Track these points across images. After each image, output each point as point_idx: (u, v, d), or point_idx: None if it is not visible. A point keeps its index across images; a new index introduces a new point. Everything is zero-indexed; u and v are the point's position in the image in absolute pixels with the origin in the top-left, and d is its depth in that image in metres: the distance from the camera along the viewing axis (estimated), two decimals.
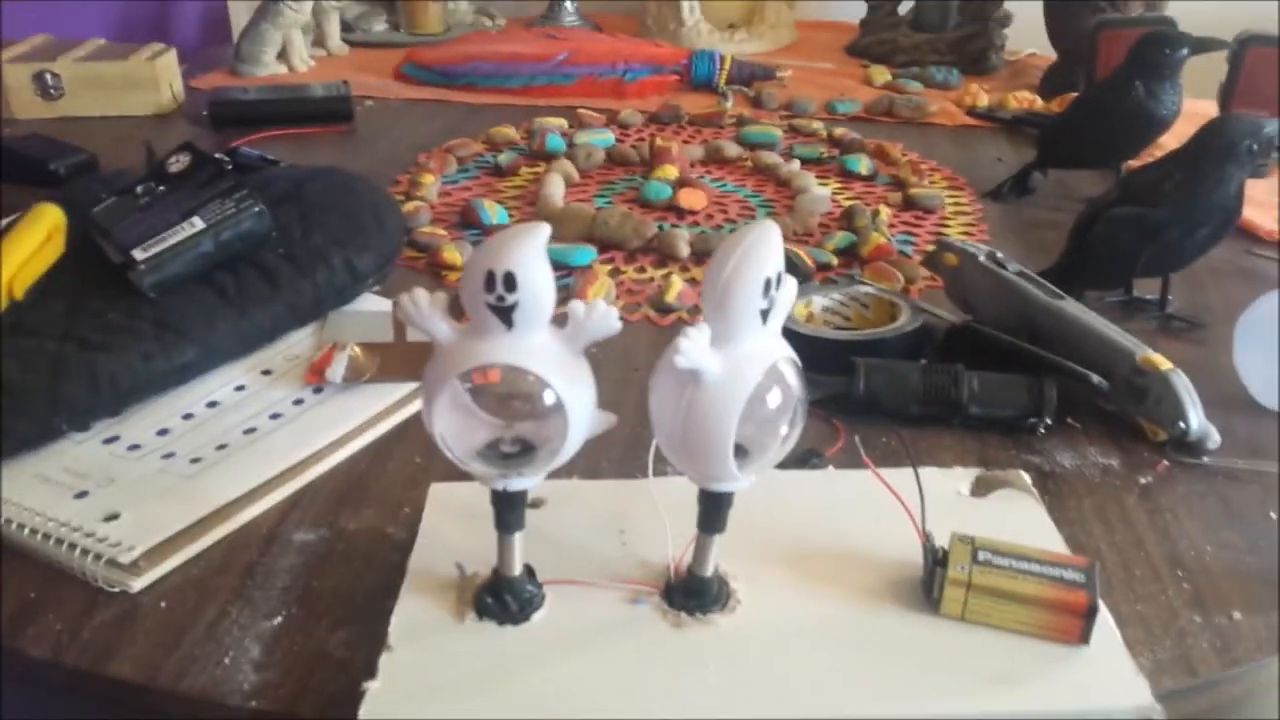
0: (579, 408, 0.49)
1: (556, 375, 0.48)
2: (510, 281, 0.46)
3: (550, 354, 0.49)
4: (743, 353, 0.48)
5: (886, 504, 0.58)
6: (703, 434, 0.48)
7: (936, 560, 0.54)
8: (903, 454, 0.69)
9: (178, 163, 0.88)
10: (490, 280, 0.46)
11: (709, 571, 0.54)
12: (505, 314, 0.47)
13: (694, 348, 0.47)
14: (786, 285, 0.50)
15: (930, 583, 0.54)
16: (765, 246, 0.48)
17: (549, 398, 0.49)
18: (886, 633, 0.52)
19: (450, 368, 0.49)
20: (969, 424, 0.73)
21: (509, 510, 0.52)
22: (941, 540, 0.54)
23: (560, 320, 0.49)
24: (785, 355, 0.50)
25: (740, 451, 0.49)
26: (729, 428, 0.47)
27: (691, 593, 0.54)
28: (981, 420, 0.72)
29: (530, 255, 0.47)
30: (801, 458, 0.68)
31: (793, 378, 0.50)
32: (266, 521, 0.65)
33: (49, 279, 0.81)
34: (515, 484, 0.51)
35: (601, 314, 0.49)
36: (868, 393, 0.73)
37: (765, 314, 0.48)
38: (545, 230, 0.48)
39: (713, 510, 0.52)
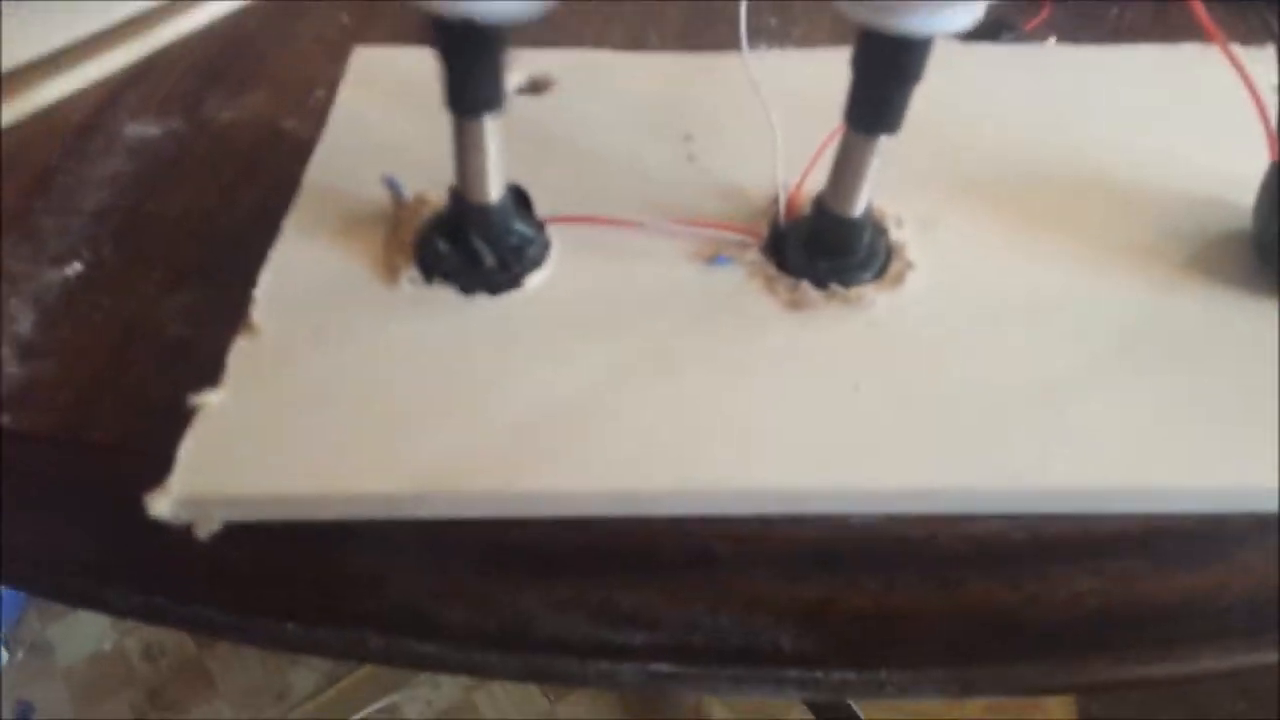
0: None
1: None
2: None
3: None
4: None
5: (1161, 97, 0.32)
6: None
7: None
8: (1150, 31, 0.42)
9: None
10: None
11: (858, 208, 0.29)
12: None
13: None
14: None
15: None
16: None
17: None
18: (1180, 332, 0.28)
19: None
20: None
21: (473, 67, 0.26)
22: None
23: None
24: None
25: None
26: None
27: (823, 244, 0.29)
28: None
29: None
30: (988, 30, 0.41)
31: None
32: (84, 105, 0.39)
33: None
34: (483, 5, 0.24)
35: None
36: None
37: None
38: None
39: (886, 80, 0.26)
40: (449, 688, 1.16)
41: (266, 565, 0.27)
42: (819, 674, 0.28)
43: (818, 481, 0.25)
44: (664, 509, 0.26)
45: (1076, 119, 0.34)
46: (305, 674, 1.17)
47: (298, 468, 0.25)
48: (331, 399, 0.26)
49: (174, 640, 1.19)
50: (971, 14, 0.24)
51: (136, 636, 1.19)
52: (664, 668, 0.28)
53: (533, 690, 1.15)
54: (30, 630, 1.18)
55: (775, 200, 0.31)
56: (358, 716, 1.14)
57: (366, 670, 1.15)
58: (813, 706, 1.08)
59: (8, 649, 1.16)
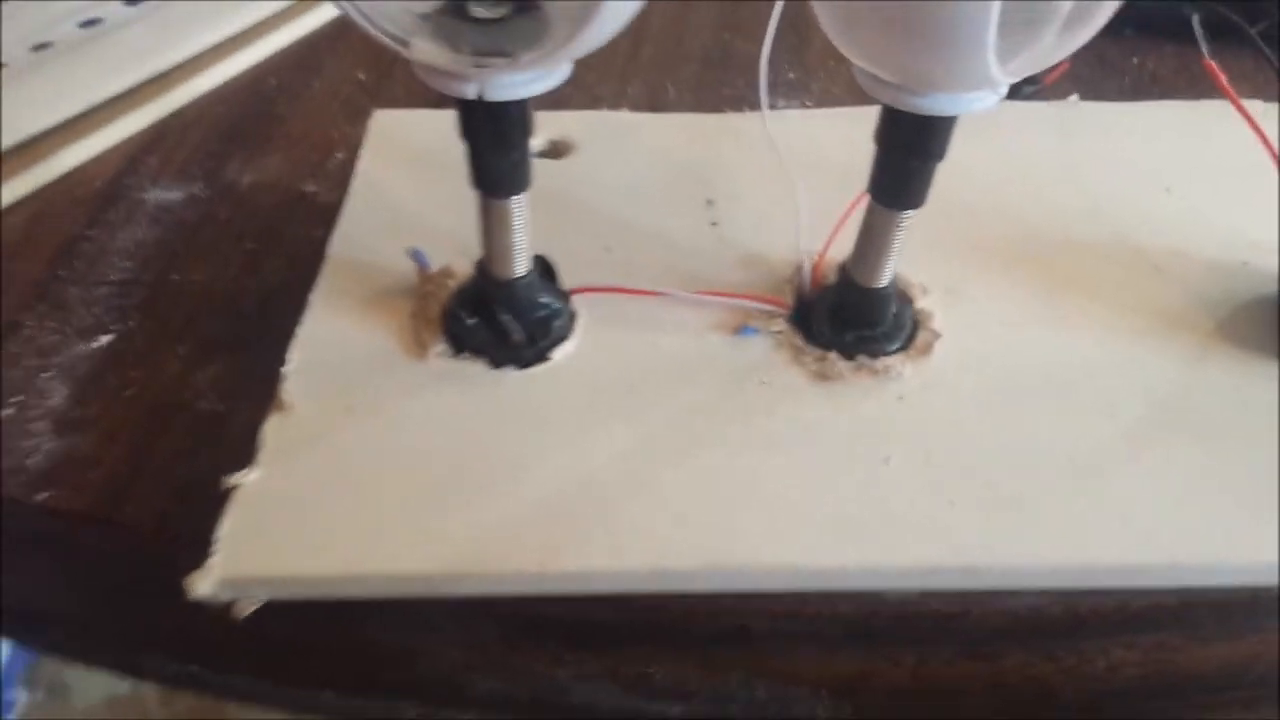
0: None
1: None
2: None
3: None
4: None
5: (1185, 156, 0.33)
6: None
7: None
8: (1173, 81, 0.42)
9: None
10: None
11: (884, 280, 0.29)
12: None
13: None
14: None
15: None
16: None
17: None
18: (1210, 403, 0.29)
19: None
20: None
21: (496, 144, 0.26)
22: None
23: None
24: None
25: None
26: None
27: (849, 315, 0.30)
28: None
29: None
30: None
31: None
32: (103, 170, 0.40)
33: None
34: (500, 85, 0.25)
35: None
36: None
37: None
38: None
39: (910, 157, 0.26)
40: None
41: (302, 637, 0.28)
42: None
43: (850, 559, 0.25)
44: (697, 585, 0.26)
45: (1100, 179, 0.35)
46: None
47: (335, 548, 0.25)
48: (366, 477, 0.27)
49: None
50: (996, 95, 0.25)
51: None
52: None
53: None
54: (48, 671, 1.18)
55: (799, 268, 0.31)
56: None
57: None
58: None
59: (27, 689, 1.17)
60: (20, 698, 1.15)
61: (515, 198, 0.27)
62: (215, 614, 0.26)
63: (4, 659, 1.11)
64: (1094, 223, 0.33)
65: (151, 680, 0.31)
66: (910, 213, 0.27)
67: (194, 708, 1.17)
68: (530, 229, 0.29)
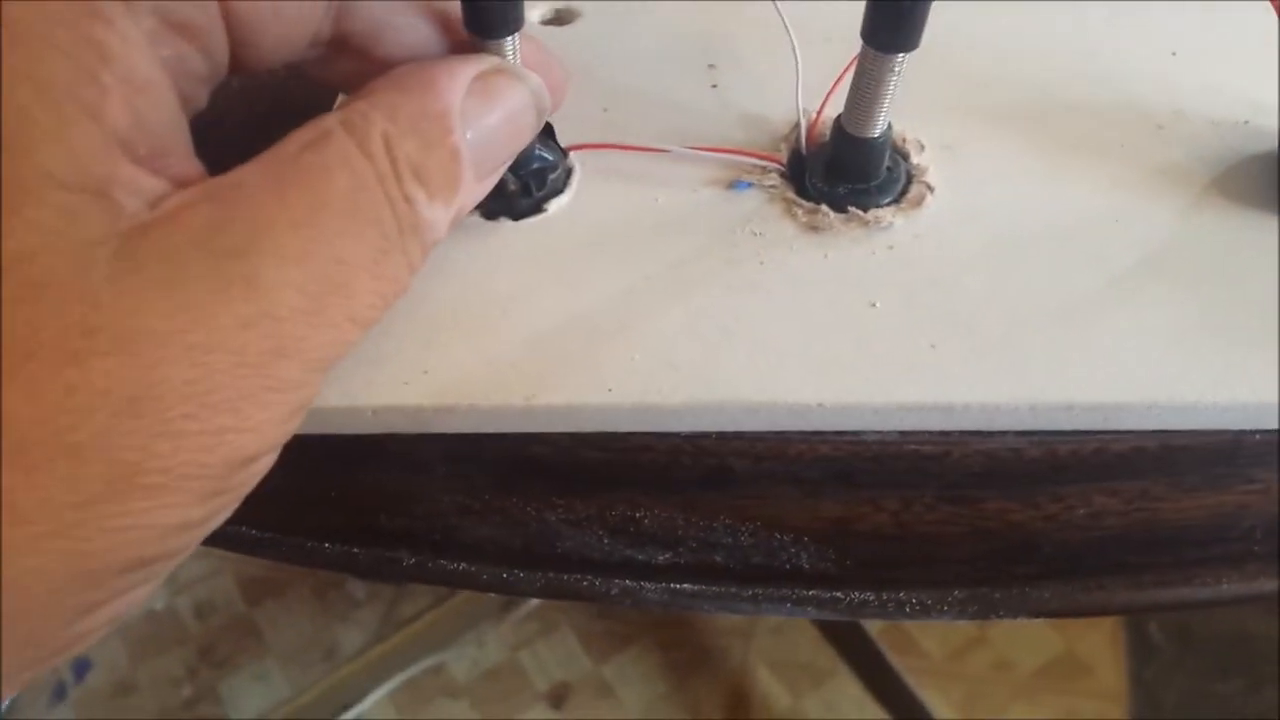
0: None
1: None
2: None
3: None
4: None
5: (1200, 25, 0.33)
6: None
7: None
8: None
9: None
10: None
11: (877, 129, 0.29)
12: None
13: None
14: None
15: None
16: None
17: None
18: (1202, 252, 0.29)
19: None
20: None
21: None
22: None
23: None
24: None
25: None
26: None
27: (843, 168, 0.30)
28: None
29: None
30: None
31: None
32: None
33: None
34: None
35: None
36: None
37: None
38: None
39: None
40: (494, 648, 1.19)
41: (303, 487, 0.29)
42: (838, 594, 0.29)
43: (832, 395, 0.26)
44: (681, 424, 0.27)
45: (1107, 45, 0.34)
46: (353, 632, 1.21)
47: (331, 384, 0.26)
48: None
49: (224, 599, 1.24)
50: None
51: (189, 595, 1.24)
52: (687, 586, 0.29)
53: (577, 650, 1.18)
54: None
55: (796, 126, 0.32)
56: (404, 674, 1.17)
57: (413, 628, 1.18)
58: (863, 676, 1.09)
59: None
60: None
61: (509, 39, 0.28)
62: None
63: None
64: (1098, 85, 0.33)
65: None
66: (902, 56, 0.27)
67: (226, 622, 1.21)
68: None
